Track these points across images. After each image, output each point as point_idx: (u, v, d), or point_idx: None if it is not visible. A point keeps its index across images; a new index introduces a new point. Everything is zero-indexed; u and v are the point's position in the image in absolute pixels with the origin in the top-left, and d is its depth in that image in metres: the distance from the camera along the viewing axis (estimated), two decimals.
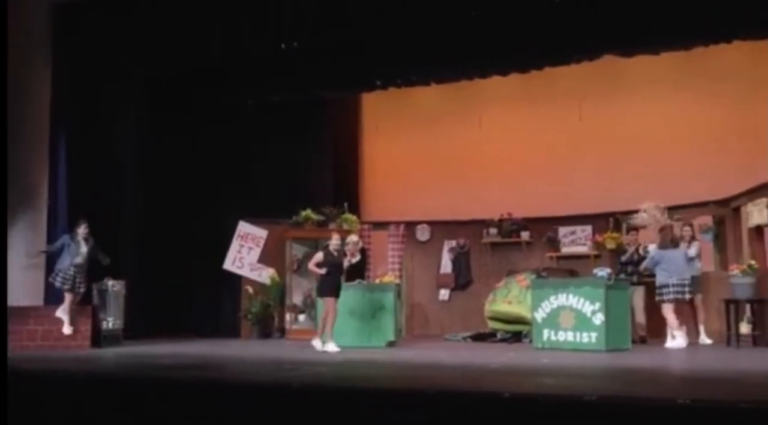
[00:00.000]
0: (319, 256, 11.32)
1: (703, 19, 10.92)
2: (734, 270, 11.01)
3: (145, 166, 13.99)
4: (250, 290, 14.02)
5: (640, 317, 12.04)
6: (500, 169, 15.12)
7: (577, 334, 10.69)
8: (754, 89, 12.54)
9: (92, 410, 7.02)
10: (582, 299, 10.71)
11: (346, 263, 11.39)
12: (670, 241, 11.19)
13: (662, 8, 10.93)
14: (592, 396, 5.53)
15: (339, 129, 16.25)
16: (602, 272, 11.20)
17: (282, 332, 13.89)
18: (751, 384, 6.94)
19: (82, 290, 11.65)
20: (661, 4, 10.98)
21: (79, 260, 11.52)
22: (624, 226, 13.47)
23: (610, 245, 13.22)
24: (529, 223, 14.61)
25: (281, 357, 9.90)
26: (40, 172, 12.52)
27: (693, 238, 11.87)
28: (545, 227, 14.45)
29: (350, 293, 11.67)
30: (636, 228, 12.57)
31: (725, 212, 12.41)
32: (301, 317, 13.92)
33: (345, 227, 13.67)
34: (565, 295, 10.91)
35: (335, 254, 11.27)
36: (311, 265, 11.45)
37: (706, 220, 12.67)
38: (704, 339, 11.38)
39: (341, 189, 15.30)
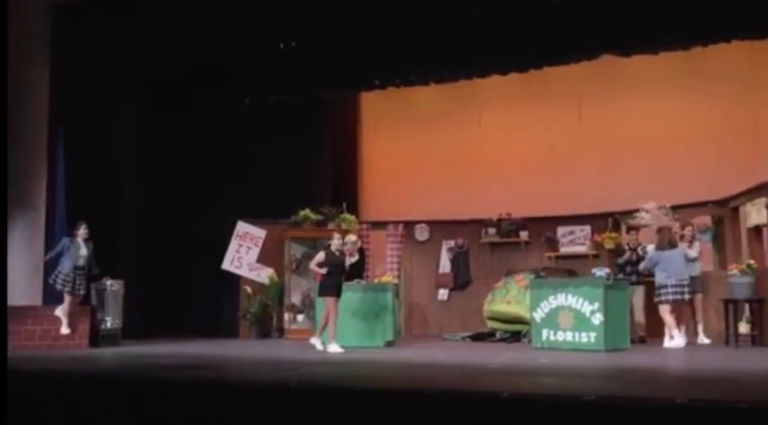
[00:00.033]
0: (321, 256, 11.28)
1: (701, 19, 10.93)
2: (733, 270, 11.02)
3: (144, 165, 13.99)
4: (249, 290, 14.01)
5: (640, 317, 12.04)
6: (499, 169, 15.12)
7: (576, 334, 10.69)
8: (752, 89, 12.53)
9: (90, 410, 7.01)
10: (581, 299, 10.71)
11: (347, 264, 11.36)
12: (668, 242, 11.18)
13: (661, 8, 10.94)
14: (590, 395, 5.53)
15: (338, 129, 16.25)
16: (601, 272, 11.19)
17: (281, 332, 13.89)
18: (750, 384, 6.94)
19: (81, 292, 11.64)
20: (660, 4, 10.99)
21: (80, 262, 11.51)
22: (623, 226, 13.48)
23: (609, 245, 13.23)
24: (527, 223, 14.62)
25: (280, 357, 9.89)
26: (38, 172, 12.49)
27: (693, 238, 11.86)
28: (544, 227, 14.45)
29: (349, 293, 11.65)
30: (636, 228, 12.56)
31: (724, 212, 12.42)
32: (300, 317, 13.93)
33: (344, 226, 13.69)
34: (564, 295, 10.90)
35: (337, 254, 11.23)
36: (312, 265, 11.42)
37: (705, 220, 12.68)
38: (703, 339, 11.39)
39: (340, 189, 15.30)
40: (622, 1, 11.14)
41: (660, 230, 11.38)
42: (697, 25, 11.08)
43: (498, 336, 12.78)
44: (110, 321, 12.02)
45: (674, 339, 10.88)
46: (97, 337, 11.81)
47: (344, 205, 14.09)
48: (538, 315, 11.15)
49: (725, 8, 10.64)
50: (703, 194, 12.53)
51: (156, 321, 13.35)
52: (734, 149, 12.71)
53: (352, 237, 11.71)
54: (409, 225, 15.47)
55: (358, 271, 12.68)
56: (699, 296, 11.51)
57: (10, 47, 11.76)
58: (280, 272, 14.04)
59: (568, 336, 10.77)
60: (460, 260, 15.17)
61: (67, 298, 11.47)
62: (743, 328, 10.92)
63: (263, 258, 14.19)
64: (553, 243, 14.35)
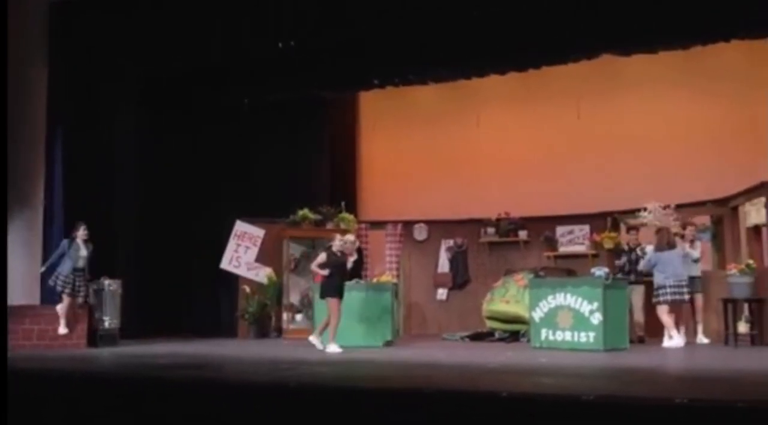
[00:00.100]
0: (322, 257, 11.18)
1: (701, 18, 10.91)
2: (732, 270, 11.01)
3: (142, 165, 13.97)
4: (247, 289, 13.99)
5: (639, 317, 12.02)
6: (498, 168, 15.11)
7: (575, 334, 10.67)
8: (751, 89, 12.53)
9: (88, 410, 7.00)
10: (580, 299, 10.69)
11: (349, 265, 11.33)
12: (666, 243, 11.16)
13: (660, 7, 10.92)
14: (589, 395, 5.51)
15: (336, 128, 16.24)
16: (600, 271, 11.18)
17: (279, 331, 13.86)
18: (749, 384, 6.93)
19: (81, 294, 11.59)
20: (660, 4, 10.97)
21: (79, 263, 11.49)
22: (622, 226, 13.47)
23: (608, 244, 13.20)
24: (526, 222, 14.60)
25: (278, 357, 9.88)
26: (36, 171, 12.48)
27: (695, 238, 11.83)
28: (543, 227, 14.44)
29: (347, 293, 11.59)
30: (636, 228, 12.56)
31: (723, 212, 12.42)
32: (298, 316, 13.91)
33: (342, 226, 13.68)
34: (563, 295, 10.89)
35: (338, 255, 11.15)
36: (314, 266, 11.31)
37: (704, 219, 12.66)
38: (702, 339, 11.37)
39: (338, 188, 15.28)
40: (622, 1, 11.12)
41: (659, 231, 11.37)
42: (697, 25, 11.06)
43: (497, 335, 12.77)
44: (108, 321, 11.99)
45: (673, 339, 10.87)
46: (95, 337, 11.79)
47: (343, 204, 14.08)
48: (537, 315, 11.14)
49: (725, 7, 10.62)
50: (703, 193, 12.52)
51: (154, 321, 13.33)
52: (733, 149, 12.71)
53: (350, 237, 11.64)
54: (408, 225, 15.45)
55: (356, 271, 12.62)
56: (700, 296, 11.49)
57: (8, 47, 11.73)
58: (278, 271, 14.02)
59: (567, 335, 10.75)
60: (458, 259, 15.16)
61: (66, 299, 11.45)
62: (742, 328, 10.91)
63: (262, 258, 14.18)
64: (552, 243, 14.34)
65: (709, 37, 11.55)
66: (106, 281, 12.00)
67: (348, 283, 11.65)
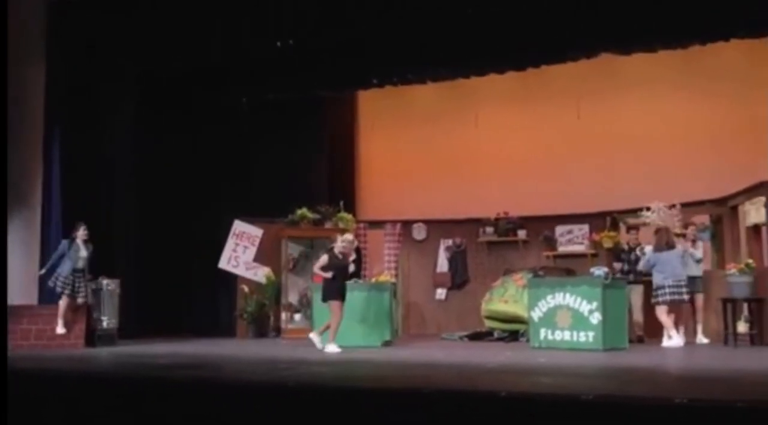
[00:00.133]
0: (324, 259, 11.04)
1: (700, 17, 10.92)
2: (732, 269, 11.00)
3: (140, 165, 13.94)
4: (246, 289, 13.98)
5: (638, 317, 12.01)
6: (497, 167, 15.10)
7: (574, 333, 10.66)
8: (751, 88, 12.53)
9: (87, 410, 6.97)
10: (579, 299, 10.67)
11: (351, 268, 11.27)
12: (665, 243, 11.15)
13: (660, 6, 10.91)
14: (589, 395, 5.49)
15: (335, 127, 16.23)
16: (599, 271, 11.16)
17: (278, 331, 13.85)
18: (749, 384, 6.91)
19: (81, 295, 11.55)
20: (659, 3, 10.97)
21: (79, 264, 11.47)
22: (622, 225, 13.47)
23: (607, 244, 13.21)
24: (525, 222, 14.60)
25: (277, 357, 9.86)
26: (34, 171, 12.46)
27: (696, 238, 11.82)
28: (542, 226, 14.44)
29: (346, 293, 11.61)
30: (636, 228, 12.55)
31: (722, 211, 12.41)
32: (297, 316, 13.90)
33: (341, 225, 13.67)
34: (562, 294, 10.87)
35: (340, 257, 11.08)
36: (316, 268, 11.17)
37: (704, 219, 12.65)
38: (701, 339, 11.35)
39: (337, 188, 15.27)
40: (621, 0, 11.11)
41: (657, 231, 11.37)
42: (696, 24, 11.07)
43: (496, 335, 12.76)
44: (106, 321, 11.97)
45: (672, 339, 10.85)
46: (93, 337, 11.76)
47: (341, 204, 14.07)
48: (536, 315, 11.12)
49: (724, 7, 10.63)
50: (702, 193, 12.52)
51: (152, 321, 13.31)
52: (733, 148, 12.70)
53: (348, 236, 11.58)
54: (407, 224, 15.44)
55: (355, 270, 12.62)
56: (700, 296, 11.47)
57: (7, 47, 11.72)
58: (277, 271, 14.01)
59: (566, 335, 10.74)
60: (457, 259, 15.15)
61: (65, 300, 11.42)
62: (742, 327, 10.90)
63: (260, 257, 14.16)
64: (551, 242, 14.33)
65: (708, 36, 11.56)
66: (105, 281, 11.98)
67: (347, 283, 11.63)
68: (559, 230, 14.37)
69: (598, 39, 11.80)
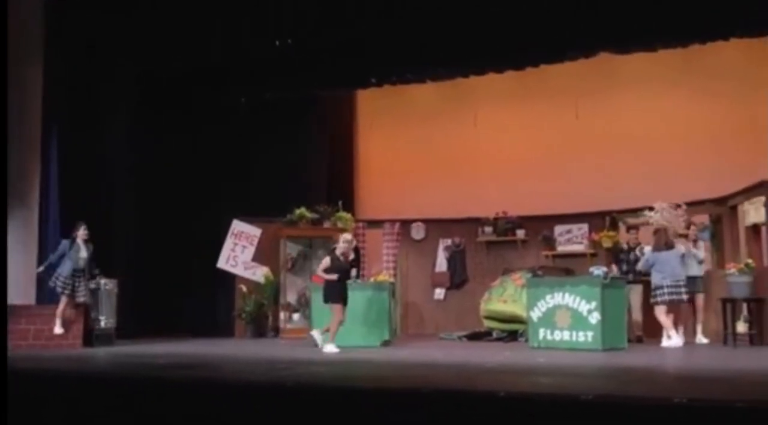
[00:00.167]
0: (327, 261, 11.00)
1: (700, 16, 10.90)
2: (731, 269, 10.98)
3: (139, 164, 13.92)
4: (244, 288, 13.96)
5: (637, 317, 12.00)
6: (495, 167, 15.09)
7: (573, 333, 10.64)
8: (750, 88, 12.53)
9: (84, 410, 6.95)
10: (578, 298, 10.66)
11: (353, 273, 11.22)
12: (664, 243, 11.14)
13: (659, 5, 10.90)
14: (588, 395, 5.48)
15: (333, 127, 16.22)
16: (598, 270, 11.14)
17: (276, 331, 13.83)
18: (748, 383, 6.90)
19: (81, 295, 11.53)
20: (658, 2, 10.95)
21: (80, 264, 11.45)
22: (621, 224, 13.45)
23: (607, 243, 13.20)
24: (524, 221, 14.59)
25: (275, 356, 9.84)
26: (32, 171, 12.43)
27: (697, 238, 11.79)
28: (541, 226, 14.43)
29: None
30: (636, 227, 12.54)
31: (722, 211, 12.40)
32: (296, 316, 13.88)
33: (339, 225, 13.65)
34: (561, 294, 10.85)
35: (341, 259, 11.05)
36: (320, 271, 11.09)
37: (703, 218, 12.64)
38: (701, 339, 11.34)
39: (335, 187, 15.27)
40: None
41: (656, 231, 11.36)
42: (696, 23, 11.06)
43: (495, 335, 12.75)
44: (104, 321, 11.95)
45: (672, 338, 10.84)
46: (90, 337, 11.74)
47: (340, 203, 14.05)
48: (535, 314, 11.10)
49: (724, 6, 10.62)
50: (701, 192, 12.50)
51: (150, 321, 13.27)
52: (732, 148, 12.69)
53: (347, 236, 11.56)
54: (406, 224, 15.43)
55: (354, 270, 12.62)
56: (701, 296, 11.45)
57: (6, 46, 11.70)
58: (275, 271, 13.99)
59: (565, 335, 10.72)
60: (456, 258, 15.14)
61: (63, 299, 11.39)
62: (741, 327, 10.89)
63: (259, 257, 14.14)
64: (550, 242, 14.32)
65: (708, 35, 11.55)
66: (102, 281, 11.96)
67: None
68: (558, 229, 14.37)
69: (597, 38, 11.78)
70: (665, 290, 10.89)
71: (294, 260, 14.05)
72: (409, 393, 6.22)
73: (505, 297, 12.81)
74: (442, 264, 15.30)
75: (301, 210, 13.70)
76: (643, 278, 11.81)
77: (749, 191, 11.31)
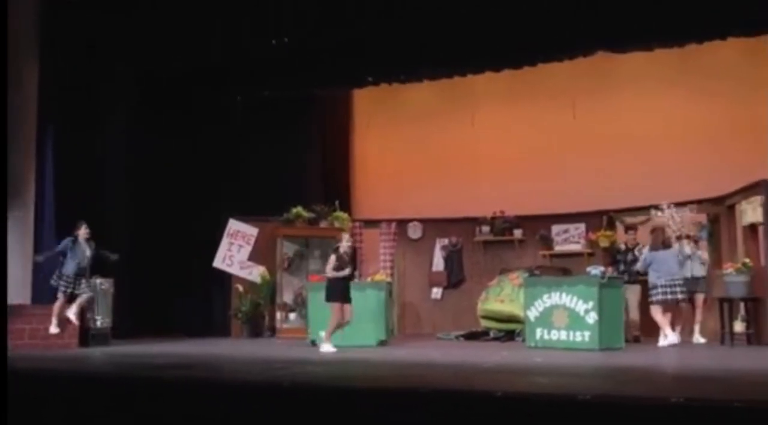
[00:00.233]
0: (333, 260, 10.96)
1: (697, 15, 10.90)
2: (728, 269, 10.98)
3: (134, 164, 13.87)
4: (240, 288, 13.93)
5: (635, 316, 12.00)
6: (493, 167, 15.06)
7: (571, 333, 10.64)
8: (748, 87, 12.52)
9: (81, 410, 6.93)
10: (575, 298, 10.65)
11: (356, 273, 11.21)
12: (661, 242, 11.13)
13: (656, 4, 10.90)
14: (585, 395, 5.47)
15: (330, 126, 16.20)
16: (596, 270, 11.13)
17: (272, 331, 13.81)
18: (745, 383, 6.90)
19: (83, 291, 11.50)
20: (656, 1, 10.94)
21: (83, 263, 11.42)
22: (618, 224, 13.44)
23: (604, 243, 13.18)
24: (522, 221, 14.57)
25: (272, 356, 9.83)
26: (28, 170, 12.39)
27: (698, 238, 11.78)
28: (538, 226, 14.42)
29: None
30: (634, 227, 12.53)
31: (719, 211, 12.39)
32: (292, 315, 13.86)
33: (336, 224, 13.63)
34: (558, 294, 10.85)
35: (345, 258, 11.00)
36: (328, 270, 10.99)
37: (701, 218, 12.63)
38: (698, 338, 11.34)
39: (332, 187, 15.26)
40: None
41: (653, 230, 11.36)
42: (693, 23, 11.05)
43: (492, 334, 12.73)
44: (100, 320, 11.93)
45: (669, 338, 10.83)
46: (86, 336, 11.70)
47: (336, 203, 14.03)
48: (532, 314, 11.10)
49: (721, 5, 10.62)
50: (699, 192, 12.48)
51: (146, 320, 13.24)
52: (730, 147, 12.67)
53: (344, 235, 11.55)
54: (402, 223, 15.41)
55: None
56: (701, 296, 11.44)
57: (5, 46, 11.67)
58: (271, 270, 13.97)
59: (563, 334, 10.72)
60: (453, 258, 15.12)
61: (61, 298, 11.36)
62: (738, 327, 10.90)
63: (255, 256, 14.12)
64: (547, 241, 14.31)
65: (705, 35, 11.55)
66: (98, 280, 11.93)
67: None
68: (556, 229, 14.36)
69: (595, 37, 11.78)
70: (659, 289, 10.90)
71: (290, 260, 14.02)
72: (406, 392, 6.21)
73: (503, 297, 12.79)
74: (439, 264, 15.28)
75: (298, 209, 13.68)
76: (640, 278, 11.81)
77: (747, 191, 11.31)
